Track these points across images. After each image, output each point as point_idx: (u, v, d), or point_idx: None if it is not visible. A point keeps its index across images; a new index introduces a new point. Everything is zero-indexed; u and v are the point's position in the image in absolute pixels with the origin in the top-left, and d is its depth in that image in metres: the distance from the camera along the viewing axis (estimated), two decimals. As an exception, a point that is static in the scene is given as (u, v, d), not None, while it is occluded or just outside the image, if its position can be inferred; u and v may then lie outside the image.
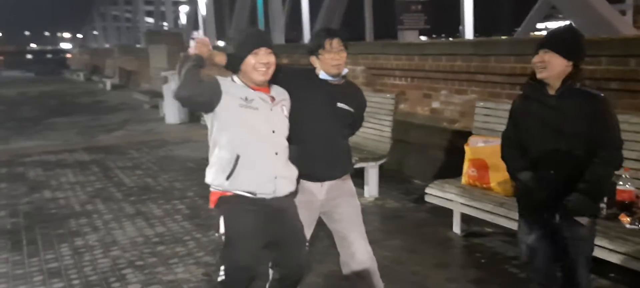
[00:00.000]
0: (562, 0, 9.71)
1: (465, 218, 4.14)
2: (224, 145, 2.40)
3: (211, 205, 2.49)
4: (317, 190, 2.67)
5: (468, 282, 3.43)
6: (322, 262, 3.65)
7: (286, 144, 2.52)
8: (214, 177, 2.43)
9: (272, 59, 2.46)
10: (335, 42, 2.62)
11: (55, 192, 5.89)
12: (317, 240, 4.09)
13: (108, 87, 19.83)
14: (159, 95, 11.76)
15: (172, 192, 5.70)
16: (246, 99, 2.41)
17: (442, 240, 4.13)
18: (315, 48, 2.65)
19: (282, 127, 2.51)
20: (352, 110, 2.71)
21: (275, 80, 2.56)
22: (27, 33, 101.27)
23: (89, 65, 28.10)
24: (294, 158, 2.55)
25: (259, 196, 2.40)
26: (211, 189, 2.48)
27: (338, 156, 2.73)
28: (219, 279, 2.45)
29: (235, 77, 2.50)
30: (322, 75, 2.66)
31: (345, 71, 2.72)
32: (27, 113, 13.59)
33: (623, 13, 11.77)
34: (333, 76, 2.66)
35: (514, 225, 3.55)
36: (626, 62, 3.84)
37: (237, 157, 2.37)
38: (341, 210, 2.72)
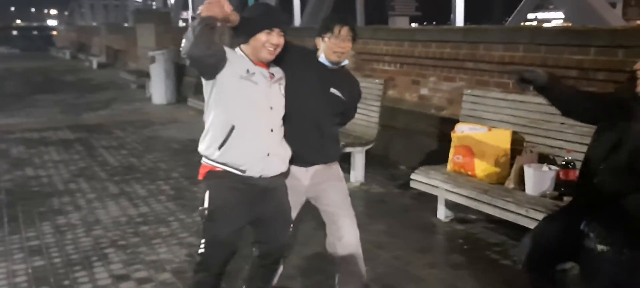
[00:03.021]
0: (552, -10, 9.73)
1: (449, 204, 4.16)
2: (221, 114, 2.36)
3: (200, 177, 2.45)
4: (302, 175, 2.65)
5: (450, 267, 3.46)
6: (306, 244, 3.65)
7: (281, 122, 2.50)
8: (207, 146, 2.39)
9: (282, 41, 2.42)
10: (345, 31, 2.56)
11: (38, 170, 5.82)
12: (301, 223, 4.07)
13: (94, 65, 19.56)
14: (146, 74, 11.63)
15: (157, 173, 5.65)
16: (248, 71, 2.36)
17: (426, 226, 4.15)
18: (323, 30, 2.59)
19: (280, 104, 2.48)
20: (344, 98, 2.68)
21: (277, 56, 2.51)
22: (12, 9, 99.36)
23: (75, 43, 27.67)
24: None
25: (247, 174, 2.38)
26: (202, 161, 2.44)
27: (325, 142, 2.69)
28: (199, 251, 2.44)
29: (238, 48, 2.43)
30: (322, 58, 2.61)
31: (345, 62, 2.66)
32: (11, 89, 13.38)
33: (613, 5, 11.83)
34: (332, 63, 2.61)
35: (496, 212, 3.59)
36: (614, 53, 3.85)
37: (232, 127, 2.33)
38: (329, 195, 2.71)
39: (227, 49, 2.37)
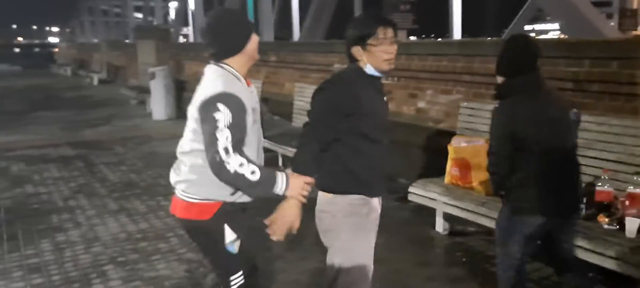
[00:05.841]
0: (549, 3, 9.81)
1: (447, 217, 4.17)
2: None
3: (203, 217, 2.14)
4: (377, 205, 2.43)
5: (449, 281, 3.46)
6: (307, 258, 3.66)
7: None
8: (210, 191, 2.10)
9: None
10: (390, 32, 2.17)
11: (38, 187, 5.83)
12: (301, 238, 4.08)
13: (95, 82, 19.66)
14: (146, 91, 11.68)
15: (157, 188, 5.67)
16: (253, 110, 2.09)
17: (425, 239, 4.15)
18: (363, 37, 2.15)
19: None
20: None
21: (318, 98, 2.20)
22: (14, 26, 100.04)
23: (76, 60, 27.84)
24: (360, 173, 2.25)
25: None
26: (196, 199, 2.14)
27: (387, 164, 2.44)
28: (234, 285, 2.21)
29: (229, 67, 2.08)
30: (369, 70, 2.20)
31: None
32: (12, 107, 13.43)
33: (609, 16, 11.91)
34: (383, 73, 2.23)
35: (494, 225, 3.58)
36: (608, 64, 3.89)
37: None
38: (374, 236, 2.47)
39: (239, 92, 2.03)
